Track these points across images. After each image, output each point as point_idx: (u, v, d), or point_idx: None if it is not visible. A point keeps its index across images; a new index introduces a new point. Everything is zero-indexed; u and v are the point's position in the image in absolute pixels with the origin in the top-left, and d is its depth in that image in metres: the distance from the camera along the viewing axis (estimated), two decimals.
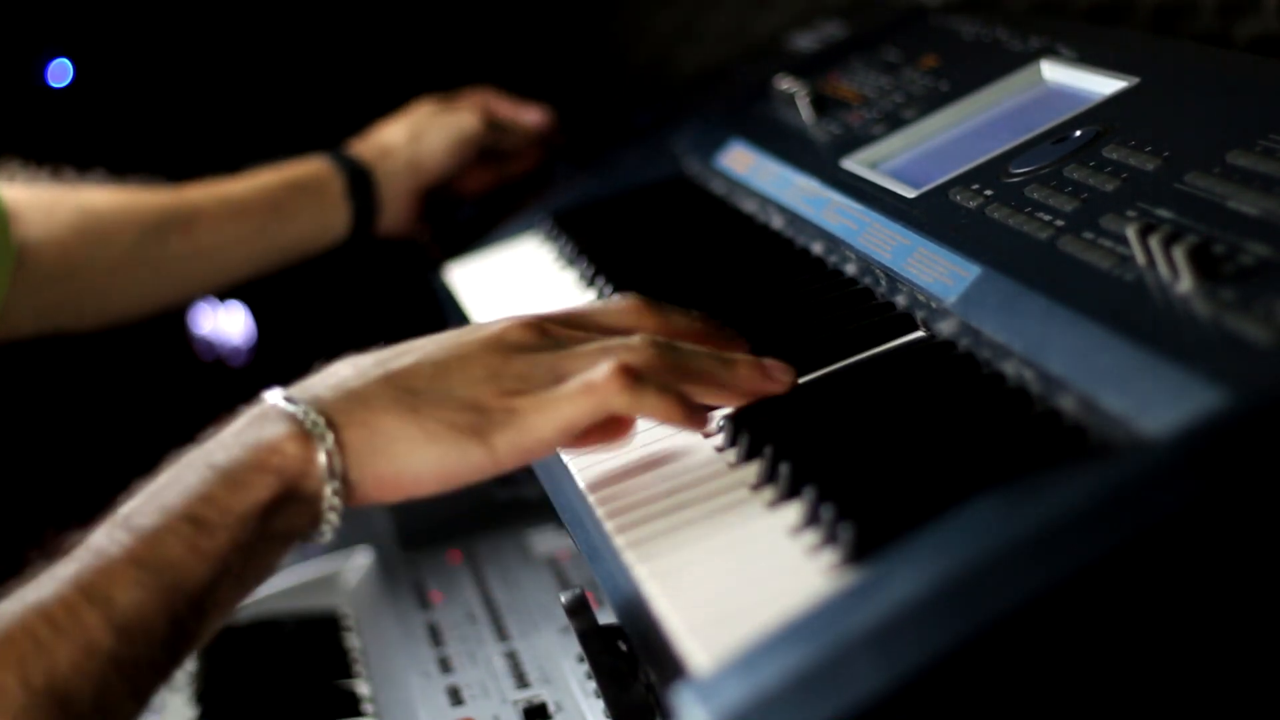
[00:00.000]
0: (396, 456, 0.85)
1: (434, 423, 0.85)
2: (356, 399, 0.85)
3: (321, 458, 0.83)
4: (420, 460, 0.85)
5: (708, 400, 0.91)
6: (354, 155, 1.52)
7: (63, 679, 0.76)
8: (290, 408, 0.85)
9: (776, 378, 0.92)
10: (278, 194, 1.48)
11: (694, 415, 0.88)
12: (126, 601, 0.78)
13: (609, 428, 0.90)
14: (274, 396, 0.86)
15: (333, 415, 0.85)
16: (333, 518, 0.85)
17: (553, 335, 0.90)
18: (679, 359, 0.89)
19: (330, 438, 0.84)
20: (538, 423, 0.85)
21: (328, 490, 0.84)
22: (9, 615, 0.78)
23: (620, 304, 0.94)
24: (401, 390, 0.86)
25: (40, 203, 1.37)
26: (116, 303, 1.45)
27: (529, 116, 1.61)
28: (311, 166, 1.50)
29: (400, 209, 1.53)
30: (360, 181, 1.50)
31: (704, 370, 0.90)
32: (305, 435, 0.84)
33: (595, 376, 0.86)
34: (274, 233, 1.48)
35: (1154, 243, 0.81)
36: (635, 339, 0.89)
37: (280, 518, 0.84)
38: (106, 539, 0.81)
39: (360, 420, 0.85)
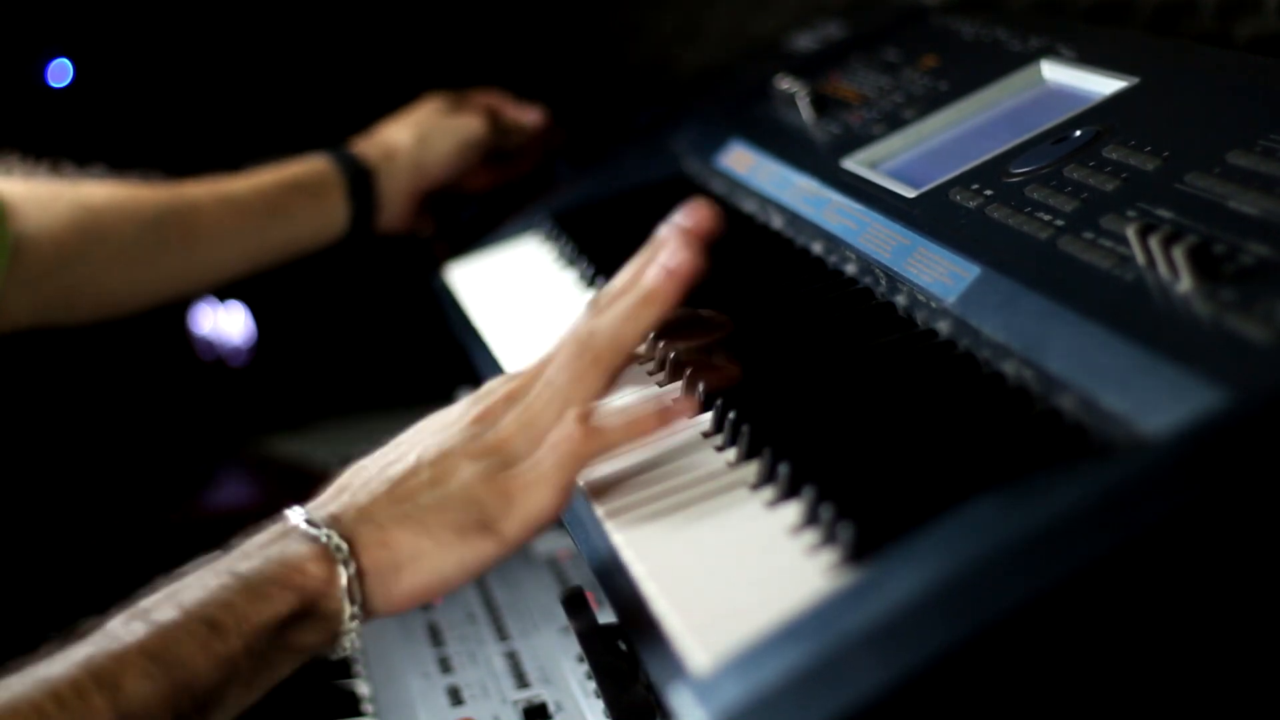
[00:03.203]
0: (418, 573, 0.87)
1: (441, 530, 0.87)
2: (369, 520, 0.87)
3: (344, 581, 0.86)
4: (439, 570, 0.87)
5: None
6: (357, 155, 1.52)
7: None
8: (313, 530, 0.87)
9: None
10: (278, 193, 1.48)
11: (663, 418, 0.90)
12: (134, 692, 0.80)
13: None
14: (295, 515, 0.88)
15: (352, 539, 0.87)
16: (352, 637, 0.87)
17: (522, 393, 0.91)
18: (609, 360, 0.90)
19: (353, 565, 0.86)
20: (537, 498, 0.87)
21: (347, 613, 0.86)
22: (18, 690, 0.78)
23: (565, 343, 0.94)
24: (405, 502, 0.88)
25: (38, 196, 1.37)
26: (112, 297, 1.44)
27: (529, 117, 1.61)
28: (313, 165, 1.50)
29: (399, 209, 1.53)
30: (362, 182, 1.50)
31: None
32: (329, 557, 0.86)
33: (560, 436, 0.88)
34: (273, 232, 1.48)
35: (1154, 243, 0.81)
36: (580, 366, 0.90)
37: (296, 633, 0.86)
38: (123, 628, 0.82)
39: (377, 542, 0.87)
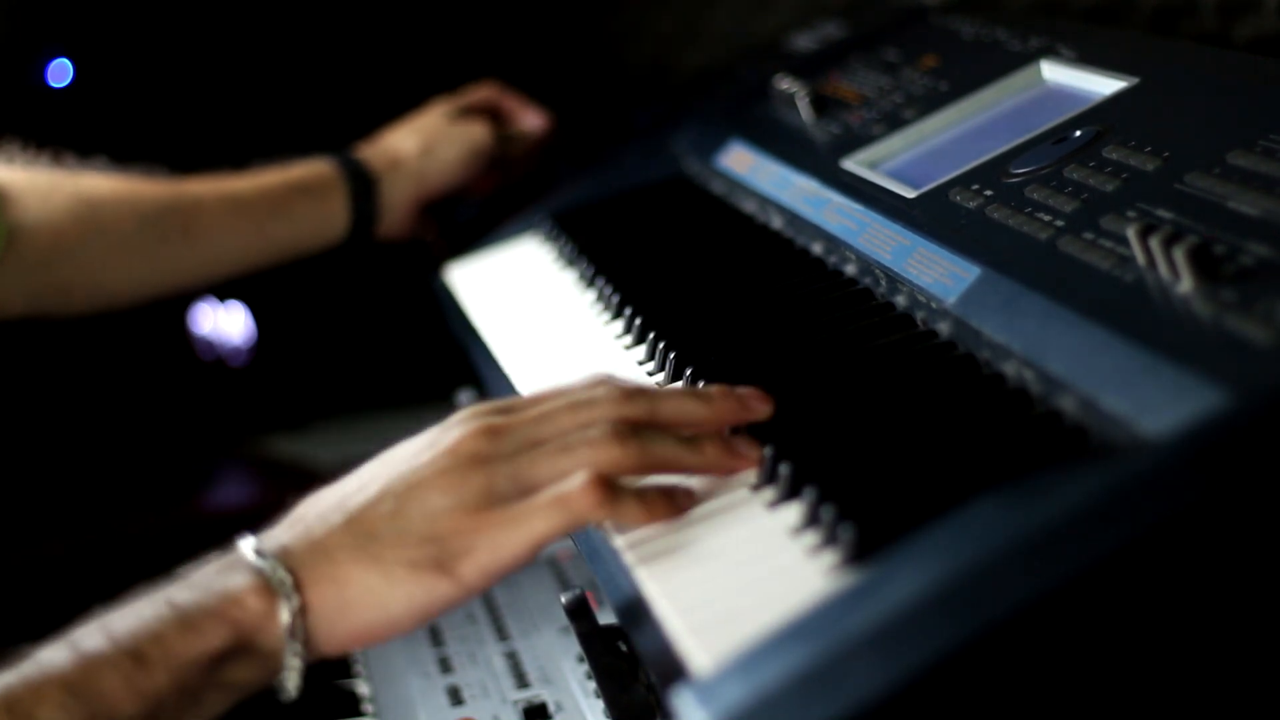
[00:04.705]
0: (365, 610, 0.82)
1: (395, 565, 0.82)
2: (321, 552, 0.83)
3: (285, 617, 0.81)
4: (388, 608, 0.82)
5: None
6: (362, 161, 1.51)
7: None
8: (258, 561, 0.82)
9: (743, 453, 0.87)
10: (280, 194, 1.48)
11: (674, 507, 0.85)
12: None
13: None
14: (246, 545, 0.84)
15: (299, 572, 0.82)
16: (293, 676, 0.83)
17: (512, 433, 0.85)
18: (647, 452, 0.85)
19: (296, 599, 0.81)
20: (505, 541, 0.82)
21: (288, 650, 0.82)
22: None
23: (587, 385, 0.89)
24: (362, 535, 0.83)
25: (37, 186, 1.37)
26: (109, 289, 1.44)
27: (532, 122, 1.61)
28: (317, 169, 1.50)
29: (401, 217, 1.53)
30: (364, 189, 1.50)
31: (671, 459, 0.86)
32: (270, 591, 0.81)
33: (569, 488, 0.82)
34: (273, 232, 1.48)
35: (1154, 243, 0.81)
36: (597, 432, 0.84)
37: (231, 669, 0.81)
38: (47, 656, 0.79)
39: (326, 577, 0.82)
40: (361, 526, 0.83)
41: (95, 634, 0.80)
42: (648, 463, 0.85)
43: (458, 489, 0.83)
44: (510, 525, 0.82)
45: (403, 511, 0.83)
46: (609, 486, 0.83)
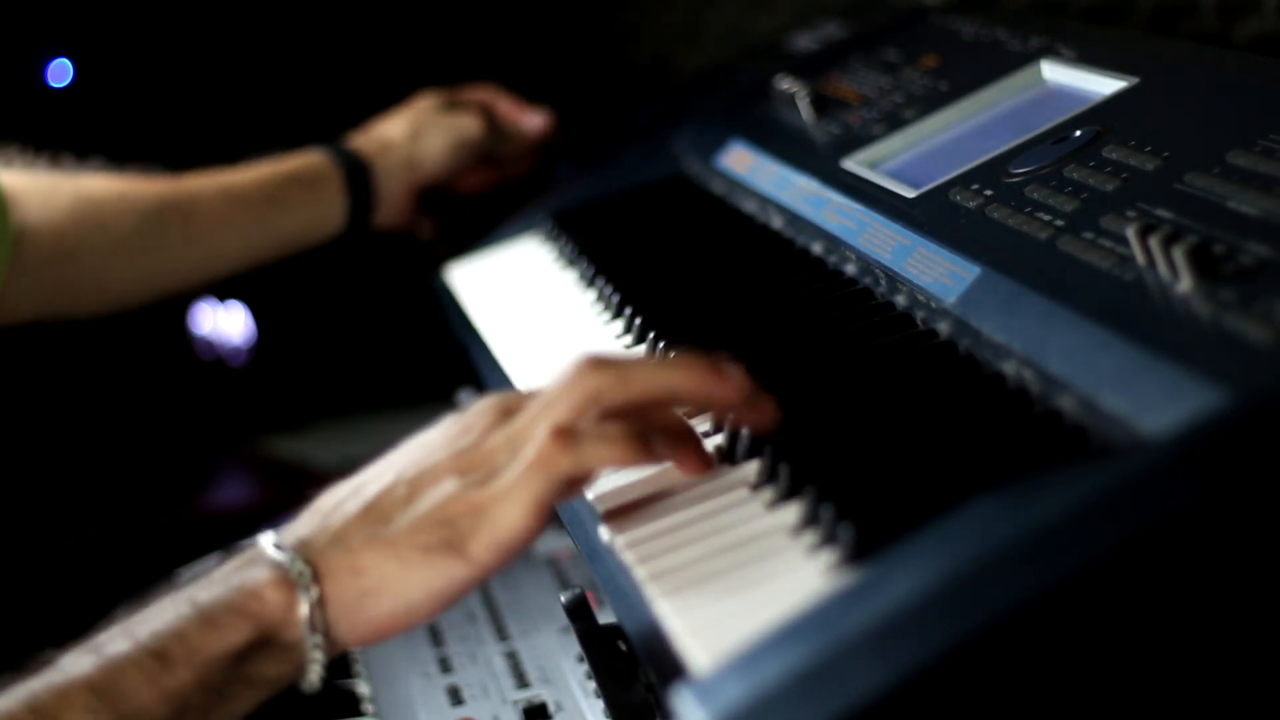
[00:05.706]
0: (384, 599, 0.82)
1: (409, 550, 0.82)
2: (338, 542, 0.83)
3: (304, 609, 0.81)
4: (406, 595, 0.82)
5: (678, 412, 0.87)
6: (352, 149, 1.53)
7: None
8: (277, 555, 0.83)
9: (729, 376, 0.85)
10: (276, 185, 1.48)
11: (649, 449, 0.84)
12: None
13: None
14: (265, 540, 0.84)
15: (317, 563, 0.82)
16: (316, 668, 0.83)
17: (512, 410, 0.86)
18: (610, 394, 0.84)
19: (314, 591, 0.82)
20: (505, 515, 0.82)
21: (309, 642, 0.82)
22: None
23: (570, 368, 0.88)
24: (377, 523, 0.83)
25: (38, 188, 1.38)
26: (113, 289, 1.45)
27: (531, 122, 1.61)
28: (310, 159, 1.51)
29: (397, 204, 1.54)
30: (358, 175, 1.51)
31: (642, 393, 0.84)
32: (289, 583, 0.82)
33: (532, 450, 0.82)
34: (272, 224, 1.49)
35: (1154, 243, 0.82)
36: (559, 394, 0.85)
37: (256, 663, 0.82)
38: (72, 662, 0.80)
39: (345, 567, 0.82)
40: (376, 514, 0.84)
41: (118, 637, 0.80)
42: (613, 403, 0.84)
43: (465, 472, 0.84)
44: (504, 498, 0.82)
45: (414, 496, 0.83)
46: (567, 434, 0.82)
